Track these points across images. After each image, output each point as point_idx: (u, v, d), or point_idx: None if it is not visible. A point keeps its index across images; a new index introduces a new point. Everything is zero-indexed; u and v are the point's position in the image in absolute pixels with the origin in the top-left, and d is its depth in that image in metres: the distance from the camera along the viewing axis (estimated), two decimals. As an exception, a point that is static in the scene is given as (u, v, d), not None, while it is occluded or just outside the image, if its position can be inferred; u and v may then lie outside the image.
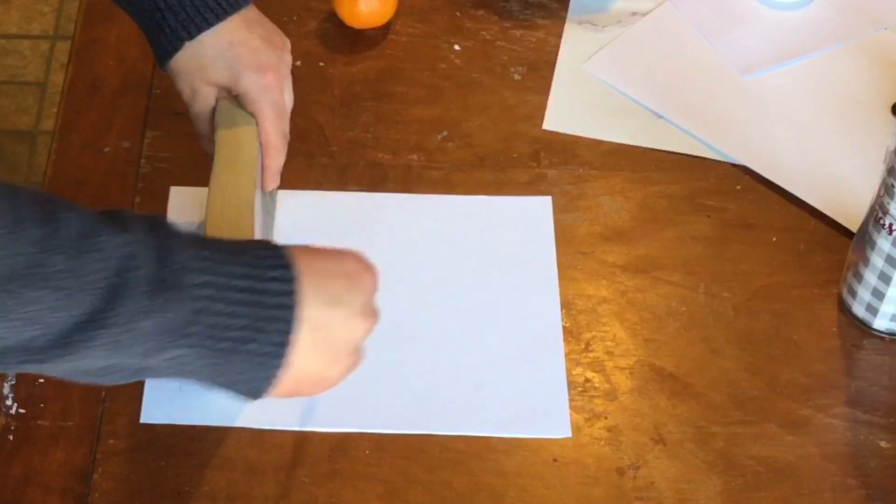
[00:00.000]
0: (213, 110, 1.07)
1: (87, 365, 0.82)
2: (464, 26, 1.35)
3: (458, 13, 1.36)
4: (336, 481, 1.02)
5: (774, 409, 1.07)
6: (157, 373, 0.85)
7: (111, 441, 1.03)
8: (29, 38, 2.53)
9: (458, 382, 1.08)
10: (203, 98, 1.07)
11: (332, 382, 0.93)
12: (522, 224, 1.18)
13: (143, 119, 1.24)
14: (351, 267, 0.92)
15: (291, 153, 1.11)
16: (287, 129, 1.08)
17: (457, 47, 1.33)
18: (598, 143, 1.25)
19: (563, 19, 1.36)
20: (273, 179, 1.09)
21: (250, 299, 0.85)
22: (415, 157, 1.23)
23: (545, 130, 1.26)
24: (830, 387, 1.09)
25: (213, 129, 1.07)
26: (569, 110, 1.28)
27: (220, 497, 1.01)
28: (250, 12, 1.07)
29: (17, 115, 2.42)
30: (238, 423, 1.04)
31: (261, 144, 1.06)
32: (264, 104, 1.06)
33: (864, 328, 1.12)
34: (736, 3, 1.38)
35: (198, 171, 1.20)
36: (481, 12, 1.36)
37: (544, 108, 1.28)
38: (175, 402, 1.05)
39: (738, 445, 1.05)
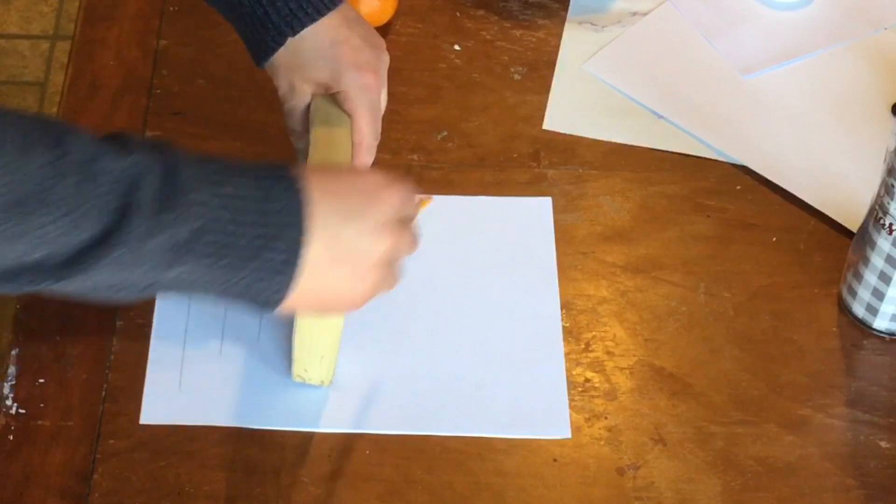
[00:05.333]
0: (307, 107, 1.07)
1: (95, 283, 0.83)
2: (464, 26, 1.35)
3: (458, 13, 1.36)
4: (336, 481, 1.02)
5: (774, 409, 1.07)
6: (166, 288, 0.87)
7: (111, 441, 1.03)
8: (29, 38, 2.53)
9: (458, 383, 1.08)
10: (300, 95, 1.07)
11: (358, 299, 0.93)
12: (522, 224, 1.18)
13: (143, 119, 1.24)
14: (368, 184, 0.93)
15: (291, 154, 1.11)
16: (380, 129, 1.08)
17: (457, 47, 1.33)
18: (598, 143, 1.26)
19: (563, 19, 1.36)
20: None
21: (254, 217, 0.86)
22: (415, 157, 1.23)
23: (545, 130, 1.26)
24: (830, 387, 1.09)
25: (305, 126, 1.07)
26: (569, 110, 1.28)
27: (220, 497, 1.01)
28: (348, 10, 1.07)
29: (17, 115, 2.42)
30: (238, 423, 1.04)
31: (353, 143, 1.06)
32: (362, 104, 1.06)
33: (864, 328, 1.12)
34: (736, 3, 1.38)
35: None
36: (481, 12, 1.36)
37: (544, 108, 1.28)
38: (175, 402, 1.05)
39: (738, 445, 1.05)
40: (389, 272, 0.94)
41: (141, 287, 0.85)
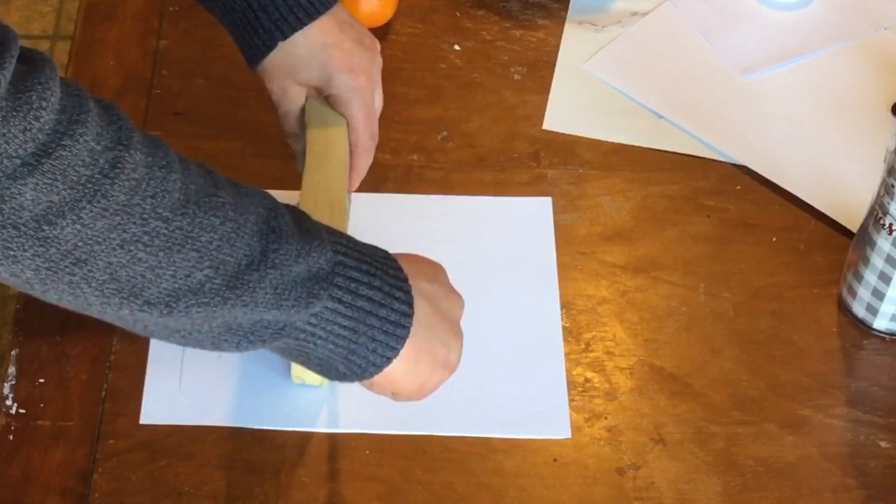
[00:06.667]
0: (302, 109, 1.07)
1: (246, 316, 0.81)
2: (464, 26, 1.35)
3: (458, 13, 1.36)
4: (336, 481, 1.02)
5: (774, 409, 1.07)
6: (298, 335, 0.84)
7: (111, 441, 1.03)
8: (29, 38, 2.53)
9: (458, 383, 1.07)
10: (293, 98, 1.07)
11: (452, 364, 0.93)
12: (522, 225, 1.18)
13: (143, 119, 1.24)
14: (422, 257, 0.94)
15: (291, 154, 1.11)
16: (376, 130, 1.08)
17: (457, 47, 1.33)
18: (598, 143, 1.26)
19: (563, 19, 1.36)
20: (358, 180, 1.09)
21: (374, 265, 0.86)
22: (415, 157, 1.23)
23: (545, 130, 1.27)
24: (830, 387, 1.09)
25: (301, 128, 1.07)
26: (569, 110, 1.28)
27: (220, 497, 1.01)
28: (341, 13, 1.07)
29: (17, 115, 2.42)
30: (238, 424, 1.04)
31: (350, 145, 1.06)
32: (355, 106, 1.06)
33: (864, 328, 1.12)
34: (736, 3, 1.38)
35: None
36: (481, 12, 1.36)
37: (544, 108, 1.28)
38: (175, 402, 1.05)
39: (738, 445, 1.05)
40: (461, 333, 0.95)
41: (278, 328, 0.83)
